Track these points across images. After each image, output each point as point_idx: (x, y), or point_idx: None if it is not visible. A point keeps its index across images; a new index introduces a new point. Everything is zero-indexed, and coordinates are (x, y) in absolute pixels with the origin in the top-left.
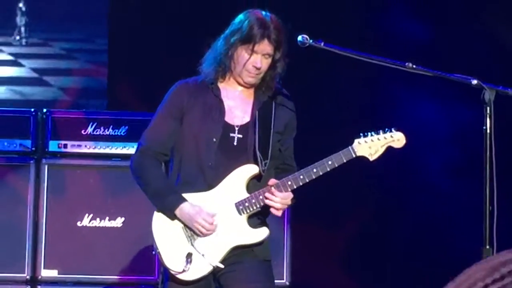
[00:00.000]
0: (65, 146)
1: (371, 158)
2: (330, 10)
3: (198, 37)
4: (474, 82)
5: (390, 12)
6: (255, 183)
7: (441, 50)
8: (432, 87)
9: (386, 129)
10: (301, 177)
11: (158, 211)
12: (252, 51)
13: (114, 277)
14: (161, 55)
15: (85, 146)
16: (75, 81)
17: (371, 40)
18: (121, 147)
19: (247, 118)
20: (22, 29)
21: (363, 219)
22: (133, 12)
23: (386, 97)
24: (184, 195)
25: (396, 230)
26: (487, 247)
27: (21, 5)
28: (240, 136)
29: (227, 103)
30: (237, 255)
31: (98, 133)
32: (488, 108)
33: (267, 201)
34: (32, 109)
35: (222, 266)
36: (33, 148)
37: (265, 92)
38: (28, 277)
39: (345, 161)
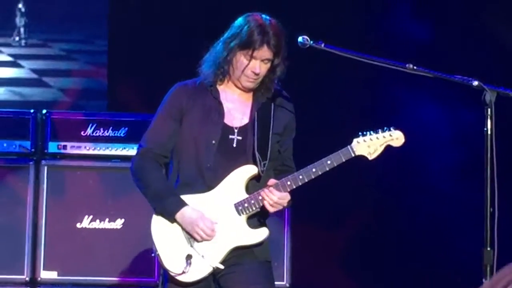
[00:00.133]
0: (65, 147)
1: (370, 157)
2: (330, 11)
3: (198, 38)
4: (475, 83)
5: (390, 13)
6: (254, 184)
7: (441, 51)
8: (432, 88)
9: (385, 128)
10: (300, 177)
11: (158, 214)
12: (251, 57)
13: (113, 279)
14: (161, 56)
15: (85, 147)
16: (74, 82)
17: (371, 41)
18: (120, 148)
19: (246, 120)
20: (22, 30)
21: (363, 220)
22: (133, 13)
23: (386, 98)
24: (183, 196)
25: (396, 231)
26: (488, 248)
27: (20, 6)
28: (240, 138)
29: (226, 105)
30: (237, 256)
31: (97, 134)
32: (489, 109)
33: (263, 197)
34: (32, 110)
35: (222, 267)
36: (33, 149)
37: (264, 94)
38: (27, 278)
39: (344, 160)
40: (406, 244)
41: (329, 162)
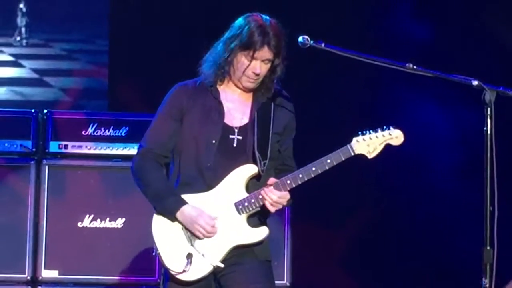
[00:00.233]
0: (66, 146)
1: (370, 156)
2: (330, 11)
3: (198, 38)
4: (475, 83)
5: (390, 13)
6: (255, 183)
7: (441, 51)
8: (432, 88)
9: (384, 127)
10: (300, 176)
11: (158, 213)
12: (252, 58)
13: (114, 278)
14: (161, 56)
15: (86, 146)
16: (75, 82)
17: (371, 41)
18: (121, 148)
19: (246, 120)
20: (23, 30)
21: (363, 219)
22: (134, 13)
23: (386, 97)
24: (184, 196)
25: (397, 231)
26: (488, 247)
27: (21, 6)
28: (240, 137)
29: (226, 105)
30: (237, 256)
31: (98, 134)
32: (488, 109)
33: (263, 197)
34: (33, 110)
35: (222, 265)
36: (34, 149)
37: (264, 93)
38: (28, 277)
39: (343, 159)
40: (406, 243)
41: (328, 161)
